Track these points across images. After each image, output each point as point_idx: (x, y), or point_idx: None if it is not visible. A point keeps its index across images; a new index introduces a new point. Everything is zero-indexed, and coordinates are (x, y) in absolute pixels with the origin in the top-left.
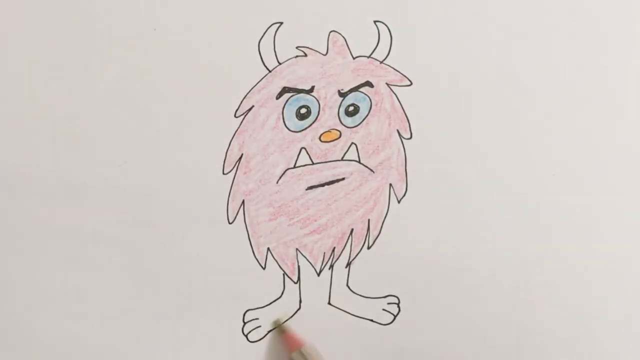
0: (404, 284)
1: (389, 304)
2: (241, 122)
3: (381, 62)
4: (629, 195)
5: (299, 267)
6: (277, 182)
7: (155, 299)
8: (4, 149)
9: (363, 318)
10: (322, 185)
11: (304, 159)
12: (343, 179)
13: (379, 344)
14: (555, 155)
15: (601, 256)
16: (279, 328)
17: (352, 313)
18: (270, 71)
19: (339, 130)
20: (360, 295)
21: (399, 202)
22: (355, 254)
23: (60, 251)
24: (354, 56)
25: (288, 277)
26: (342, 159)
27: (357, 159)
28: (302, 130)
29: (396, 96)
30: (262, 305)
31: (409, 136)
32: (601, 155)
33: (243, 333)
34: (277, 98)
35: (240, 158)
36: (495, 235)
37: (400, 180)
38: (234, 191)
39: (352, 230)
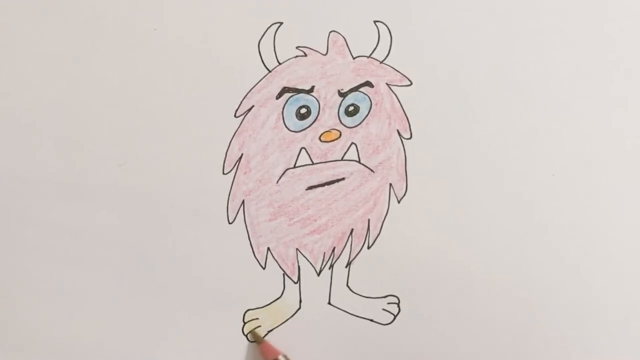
0: (404, 284)
1: (389, 304)
2: (241, 122)
3: (381, 62)
4: (629, 195)
5: (299, 267)
6: (277, 182)
7: (155, 299)
8: (4, 149)
9: (363, 318)
10: (322, 185)
11: (304, 159)
12: (343, 179)
13: (379, 344)
14: (555, 155)
15: (601, 256)
16: (256, 338)
17: (352, 313)
18: (270, 71)
19: (339, 130)
20: (360, 295)
21: (399, 202)
22: (355, 254)
23: (60, 251)
24: (354, 56)
25: (288, 277)
26: (342, 159)
27: (357, 159)
28: (302, 130)
29: (396, 96)
30: (262, 305)
31: (409, 136)
32: (601, 155)
33: (243, 333)
34: (277, 98)
35: (240, 158)
36: (495, 235)
37: (400, 180)
38: (234, 191)
39: (352, 230)
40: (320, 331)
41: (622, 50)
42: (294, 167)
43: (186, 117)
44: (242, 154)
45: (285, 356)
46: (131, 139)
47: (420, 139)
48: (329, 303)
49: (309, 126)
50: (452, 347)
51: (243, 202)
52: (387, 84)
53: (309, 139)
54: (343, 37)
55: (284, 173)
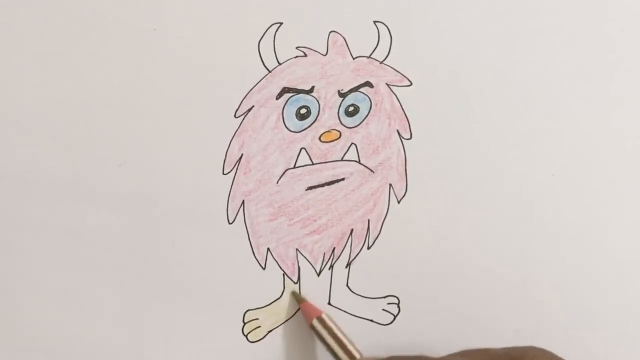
0: (404, 284)
1: (389, 304)
2: (241, 122)
3: (381, 62)
4: (629, 195)
5: (299, 267)
6: (277, 183)
7: (155, 299)
8: (4, 149)
9: (363, 318)
10: (322, 185)
11: (303, 159)
12: (343, 179)
13: (379, 344)
14: (555, 155)
15: (601, 256)
16: (297, 298)
17: (352, 313)
18: (270, 71)
19: (338, 131)
20: (360, 296)
21: (399, 202)
22: (355, 254)
23: (60, 251)
24: (354, 56)
25: (288, 277)
26: (342, 159)
27: (357, 159)
28: (302, 130)
29: (396, 96)
30: (262, 305)
31: (408, 136)
32: (601, 155)
33: (243, 333)
34: (277, 98)
35: (240, 158)
36: (495, 235)
37: (400, 180)
38: (234, 191)
39: (352, 230)
40: None
41: (622, 50)
42: (294, 167)
43: (186, 117)
44: (242, 154)
45: (327, 315)
46: (131, 139)
47: (420, 139)
48: (329, 303)
49: (309, 126)
50: (452, 348)
51: (243, 202)
52: (387, 84)
53: (309, 139)
54: (343, 37)
55: (284, 173)
